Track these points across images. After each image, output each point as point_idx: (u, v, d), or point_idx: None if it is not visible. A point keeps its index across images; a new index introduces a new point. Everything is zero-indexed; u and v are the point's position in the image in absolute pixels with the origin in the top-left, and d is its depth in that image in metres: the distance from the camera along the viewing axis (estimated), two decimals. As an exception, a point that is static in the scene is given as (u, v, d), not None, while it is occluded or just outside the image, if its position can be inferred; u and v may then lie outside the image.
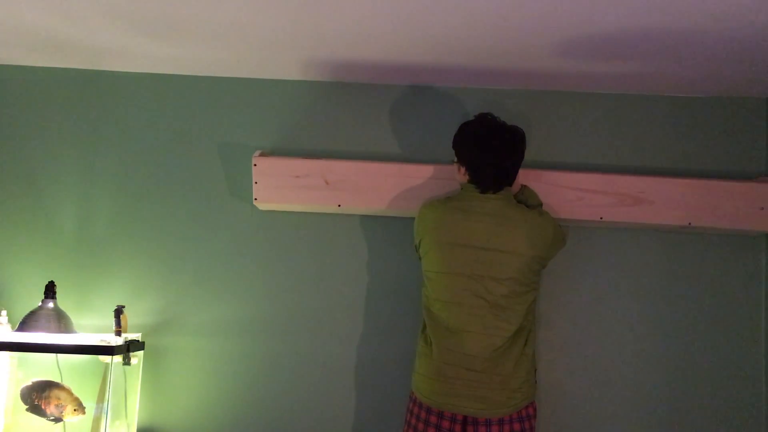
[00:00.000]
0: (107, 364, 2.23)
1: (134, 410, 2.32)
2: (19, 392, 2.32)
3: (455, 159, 2.12)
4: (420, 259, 2.15)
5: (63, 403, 2.23)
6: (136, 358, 2.33)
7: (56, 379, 2.30)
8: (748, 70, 2.19)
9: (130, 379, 2.33)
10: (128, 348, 2.24)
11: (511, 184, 2.10)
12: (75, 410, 2.23)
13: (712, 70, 2.20)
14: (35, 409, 2.24)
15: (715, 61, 2.11)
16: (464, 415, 1.98)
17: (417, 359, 2.10)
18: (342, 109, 2.49)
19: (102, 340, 2.20)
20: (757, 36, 1.91)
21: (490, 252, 1.99)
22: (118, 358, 2.22)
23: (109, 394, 2.21)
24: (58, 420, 2.24)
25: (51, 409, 2.22)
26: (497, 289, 1.99)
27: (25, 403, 2.25)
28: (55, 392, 2.25)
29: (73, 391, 2.27)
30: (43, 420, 2.29)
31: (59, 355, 2.30)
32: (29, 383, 2.26)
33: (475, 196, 2.06)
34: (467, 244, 2.00)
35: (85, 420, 2.28)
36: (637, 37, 1.96)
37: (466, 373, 1.97)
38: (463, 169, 2.08)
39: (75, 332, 2.30)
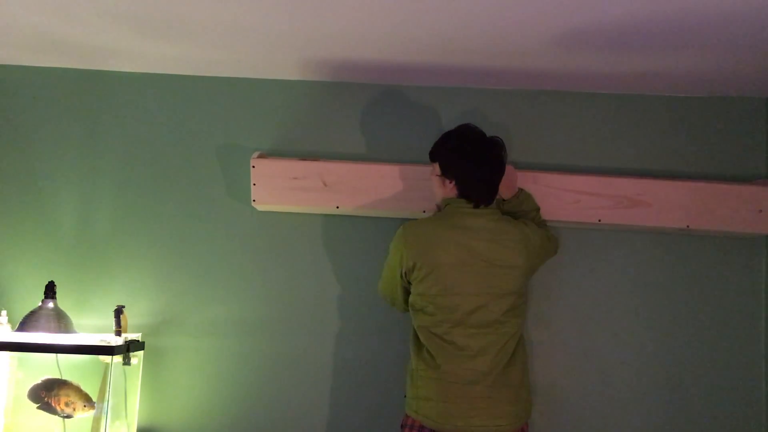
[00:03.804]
0: (107, 364, 2.23)
1: (134, 410, 2.33)
2: (15, 391, 2.34)
3: (439, 172, 2.04)
4: (406, 284, 2.05)
5: (72, 400, 2.23)
6: (136, 358, 2.34)
7: (57, 379, 2.31)
8: (748, 70, 2.19)
9: (130, 379, 2.34)
10: (128, 348, 2.25)
11: (494, 199, 2.05)
12: (84, 406, 2.24)
13: (712, 70, 2.20)
14: (46, 406, 2.24)
15: (715, 60, 2.11)
16: None
17: (417, 384, 1.98)
18: (341, 109, 2.49)
19: (102, 340, 2.20)
20: (757, 35, 1.91)
21: (492, 268, 1.95)
22: (118, 358, 2.23)
23: (109, 394, 2.22)
24: (69, 416, 2.25)
25: (61, 407, 2.23)
26: (501, 305, 1.95)
27: (35, 401, 2.25)
28: (65, 390, 2.25)
29: (82, 388, 2.27)
30: (42, 420, 2.30)
31: (59, 355, 2.30)
32: (38, 382, 2.27)
33: (467, 212, 2.00)
34: (469, 263, 1.94)
35: (85, 420, 2.29)
36: (637, 35, 1.96)
37: (485, 390, 1.91)
38: (450, 183, 2.01)
39: (75, 332, 2.30)
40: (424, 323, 1.99)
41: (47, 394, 2.24)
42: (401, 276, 2.04)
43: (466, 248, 1.95)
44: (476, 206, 2.00)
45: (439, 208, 2.24)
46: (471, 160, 1.99)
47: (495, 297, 1.95)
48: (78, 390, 2.26)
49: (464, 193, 2.00)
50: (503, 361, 1.94)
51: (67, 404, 2.23)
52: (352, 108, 2.49)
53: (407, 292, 2.07)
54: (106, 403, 2.22)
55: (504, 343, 1.95)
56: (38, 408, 2.25)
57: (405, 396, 2.05)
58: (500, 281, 1.95)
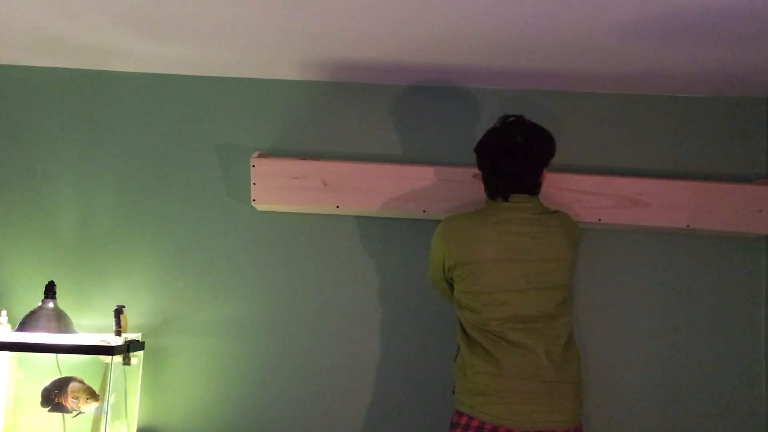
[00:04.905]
0: (107, 364, 2.23)
1: (134, 410, 2.33)
2: (15, 391, 2.35)
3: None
4: (450, 279, 2.00)
5: (77, 394, 2.23)
6: (136, 358, 2.34)
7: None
8: (749, 70, 2.18)
9: (130, 379, 2.34)
10: (128, 348, 2.25)
11: (530, 191, 1.96)
12: (88, 399, 2.23)
13: (713, 70, 2.20)
14: (58, 407, 2.23)
15: (716, 60, 2.11)
16: (541, 430, 1.84)
17: (473, 379, 1.89)
18: (341, 109, 2.49)
19: (102, 340, 2.20)
20: (757, 34, 1.91)
21: (537, 263, 1.89)
22: (118, 358, 2.22)
23: (109, 394, 2.22)
24: (79, 412, 2.25)
25: (70, 403, 2.22)
26: (549, 299, 1.89)
27: (47, 404, 2.24)
28: (71, 385, 2.24)
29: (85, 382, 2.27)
30: (42, 420, 2.31)
31: (59, 355, 2.31)
32: (46, 384, 2.26)
33: (507, 206, 1.93)
34: (513, 258, 1.88)
35: (85, 420, 2.29)
36: (636, 35, 1.96)
37: (545, 385, 1.85)
38: (480, 175, 2.00)
39: (75, 332, 2.30)
40: (471, 320, 1.93)
41: (57, 394, 2.24)
42: (444, 272, 2.00)
43: (508, 244, 1.89)
44: (505, 199, 1.93)
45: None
46: (490, 150, 1.96)
47: (541, 291, 1.88)
48: (81, 383, 2.26)
49: (488, 184, 1.97)
50: (558, 356, 1.88)
51: (73, 399, 2.22)
52: (352, 108, 2.49)
53: (452, 287, 2.02)
54: (106, 403, 2.22)
55: (556, 337, 1.89)
56: (50, 411, 2.24)
57: (453, 392, 1.98)
58: (546, 275, 1.89)
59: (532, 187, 1.96)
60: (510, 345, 1.86)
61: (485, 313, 1.89)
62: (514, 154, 1.93)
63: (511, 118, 1.99)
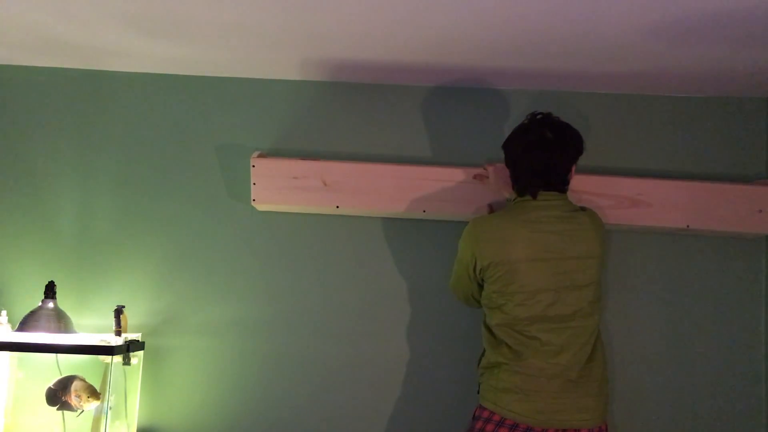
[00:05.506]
0: (107, 364, 2.24)
1: (134, 410, 2.33)
2: (15, 391, 2.35)
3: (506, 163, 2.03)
4: (480, 281, 2.00)
5: (79, 393, 2.23)
6: (136, 358, 2.34)
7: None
8: (749, 70, 2.18)
9: (130, 379, 2.34)
10: (128, 348, 2.25)
11: (559, 188, 1.95)
12: (89, 397, 2.23)
13: (712, 70, 2.20)
14: (64, 405, 2.24)
15: (716, 60, 2.11)
16: (564, 428, 1.84)
17: (498, 375, 1.90)
18: (341, 109, 2.49)
19: (102, 340, 2.20)
20: (757, 34, 1.91)
21: (569, 261, 1.88)
22: (118, 358, 2.23)
23: (109, 394, 2.22)
24: (82, 411, 2.25)
25: (74, 402, 2.23)
26: (582, 298, 1.89)
27: (55, 403, 2.25)
28: (74, 384, 2.25)
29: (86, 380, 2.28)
30: (42, 419, 2.31)
31: (59, 355, 2.31)
32: (51, 384, 2.26)
33: (535, 205, 1.92)
34: (544, 258, 1.87)
35: (85, 419, 2.29)
36: (636, 36, 1.96)
37: (568, 384, 1.85)
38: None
39: (75, 332, 2.31)
40: (501, 321, 1.92)
41: (62, 393, 2.24)
42: (474, 273, 1.99)
43: (540, 243, 1.88)
44: (533, 196, 1.93)
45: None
46: (519, 146, 1.96)
47: (573, 290, 1.88)
48: (83, 381, 2.26)
49: (516, 181, 1.96)
50: (586, 354, 1.89)
51: (76, 398, 2.23)
52: (352, 108, 2.49)
53: (482, 287, 2.01)
54: (106, 403, 2.22)
55: (587, 336, 1.89)
56: (57, 409, 2.25)
57: (478, 392, 1.99)
58: (578, 273, 1.89)
59: (560, 183, 1.96)
60: (539, 344, 1.87)
61: (517, 312, 1.89)
62: (543, 150, 1.93)
63: (539, 115, 1.99)
